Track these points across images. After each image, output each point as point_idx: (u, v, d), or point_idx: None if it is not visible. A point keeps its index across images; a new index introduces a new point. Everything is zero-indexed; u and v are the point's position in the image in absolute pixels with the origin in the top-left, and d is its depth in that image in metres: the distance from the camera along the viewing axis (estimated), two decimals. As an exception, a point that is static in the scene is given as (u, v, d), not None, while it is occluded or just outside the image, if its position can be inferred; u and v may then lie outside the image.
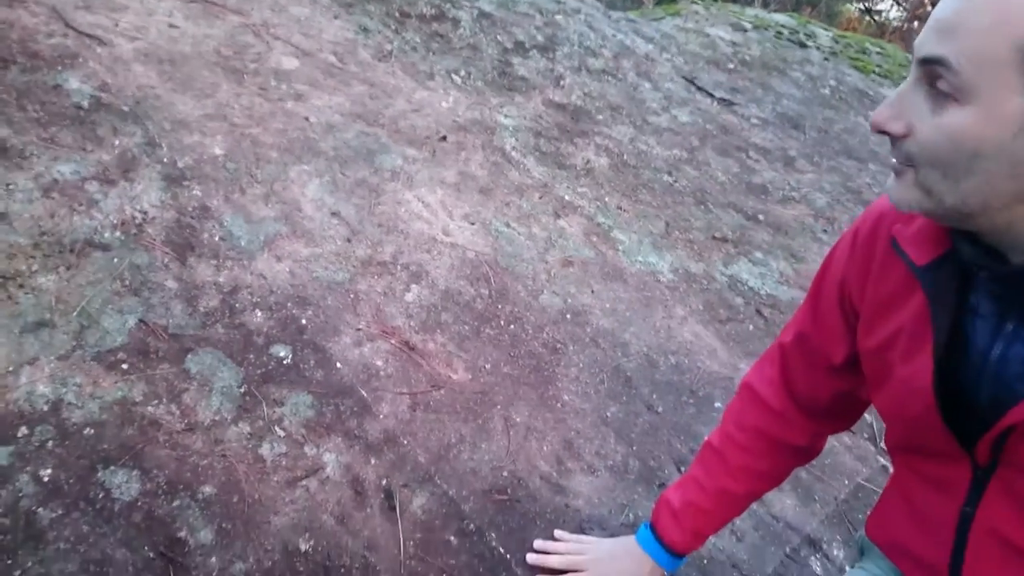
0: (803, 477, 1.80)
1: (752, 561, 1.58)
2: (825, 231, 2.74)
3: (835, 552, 1.67)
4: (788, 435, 1.12)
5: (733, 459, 1.16)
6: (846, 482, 1.82)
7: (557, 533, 1.45)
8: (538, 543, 1.42)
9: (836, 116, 3.75)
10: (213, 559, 1.26)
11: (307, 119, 2.28)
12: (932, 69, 0.67)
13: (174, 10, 2.52)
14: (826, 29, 5.40)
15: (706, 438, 1.24)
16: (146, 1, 2.51)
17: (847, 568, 1.63)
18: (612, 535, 1.53)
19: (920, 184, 0.72)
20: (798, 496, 1.75)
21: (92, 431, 1.37)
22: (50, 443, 1.33)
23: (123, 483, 1.31)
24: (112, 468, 1.33)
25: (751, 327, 2.19)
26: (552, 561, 1.37)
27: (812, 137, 3.44)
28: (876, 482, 1.85)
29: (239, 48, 2.47)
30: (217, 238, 1.80)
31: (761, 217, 2.68)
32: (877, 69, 4.64)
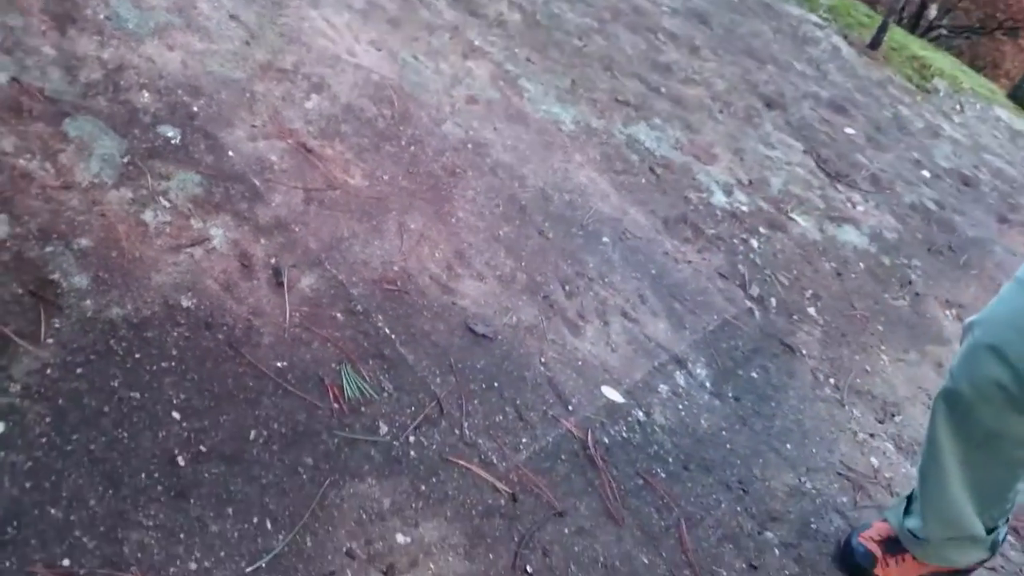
0: (677, 308, 1.92)
1: (622, 368, 1.69)
2: (721, 111, 2.84)
3: (698, 370, 1.80)
4: None
5: None
6: (715, 317, 1.96)
7: None
8: None
9: (742, 20, 3.85)
10: (88, 302, 1.23)
11: (207, -78, 2.14)
12: None
13: None
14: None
15: None
16: None
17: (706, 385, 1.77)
18: (495, 332, 1.59)
19: None
20: (671, 323, 1.87)
21: (-45, 175, 1.29)
22: (-93, 180, 1.24)
23: (-10, 224, 1.25)
24: (-22, 212, 1.26)
25: (643, 180, 2.27)
26: None
27: (718, 33, 3.53)
28: (742, 320, 1.99)
29: None
30: (102, 16, 1.69)
31: (663, 90, 2.75)
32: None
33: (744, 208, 2.39)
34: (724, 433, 1.69)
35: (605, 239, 1.99)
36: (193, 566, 1.03)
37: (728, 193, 2.43)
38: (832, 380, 1.99)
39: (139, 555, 1.01)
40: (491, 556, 1.25)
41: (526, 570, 1.26)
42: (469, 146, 2.02)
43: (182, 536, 1.05)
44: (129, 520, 1.03)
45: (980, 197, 3.31)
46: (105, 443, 1.09)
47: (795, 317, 2.10)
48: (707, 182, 2.41)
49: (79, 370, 1.14)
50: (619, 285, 1.88)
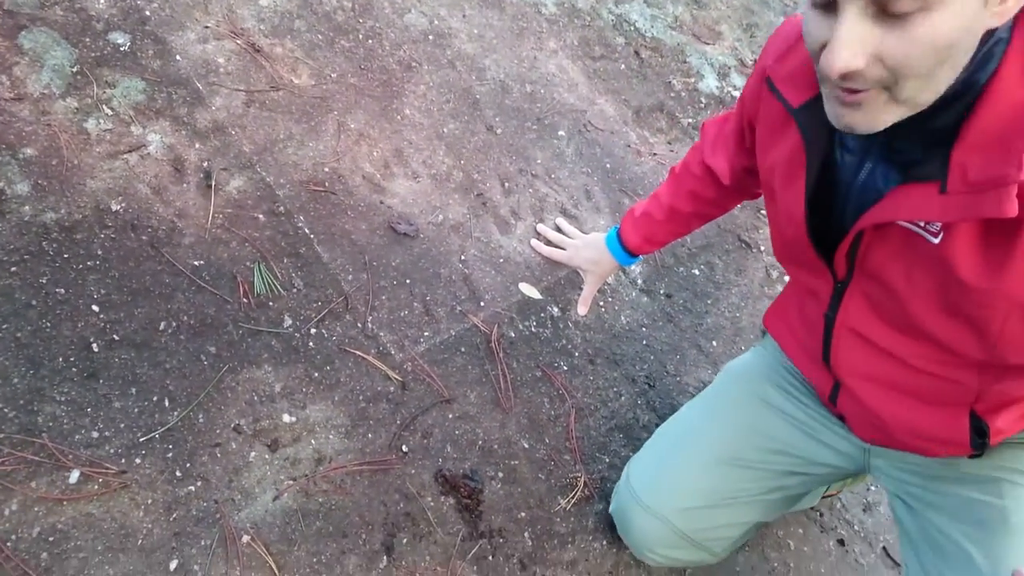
0: (625, 204, 1.93)
1: (547, 265, 1.76)
2: (741, -19, 2.65)
3: (632, 268, 1.84)
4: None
5: (686, 184, 1.35)
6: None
7: (545, 226, 1.78)
8: (539, 227, 1.78)
9: None
10: (27, 208, 1.42)
11: None
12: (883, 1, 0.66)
13: None
14: None
15: (672, 165, 1.46)
16: None
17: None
18: (417, 230, 1.69)
19: (898, 99, 0.72)
20: (614, 220, 1.90)
21: (-78, 92, 1.48)
22: None
23: (-53, 138, 1.44)
24: (-59, 126, 1.45)
25: (623, 67, 2.21)
26: (547, 236, 1.76)
27: None
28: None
29: None
30: (63, -78, 1.79)
31: (674, -41, 2.58)
32: None
33: (737, 93, 2.29)
34: (644, 329, 1.76)
35: (561, 133, 1.99)
36: (95, 435, 1.26)
37: (723, 76, 2.32)
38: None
39: (50, 424, 1.24)
40: (370, 436, 1.43)
41: (402, 449, 1.43)
42: (430, 37, 2.03)
43: (88, 410, 1.28)
44: (45, 396, 1.26)
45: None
46: (30, 331, 1.31)
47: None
48: (699, 65, 2.31)
49: (13, 268, 1.35)
50: (565, 181, 1.91)
